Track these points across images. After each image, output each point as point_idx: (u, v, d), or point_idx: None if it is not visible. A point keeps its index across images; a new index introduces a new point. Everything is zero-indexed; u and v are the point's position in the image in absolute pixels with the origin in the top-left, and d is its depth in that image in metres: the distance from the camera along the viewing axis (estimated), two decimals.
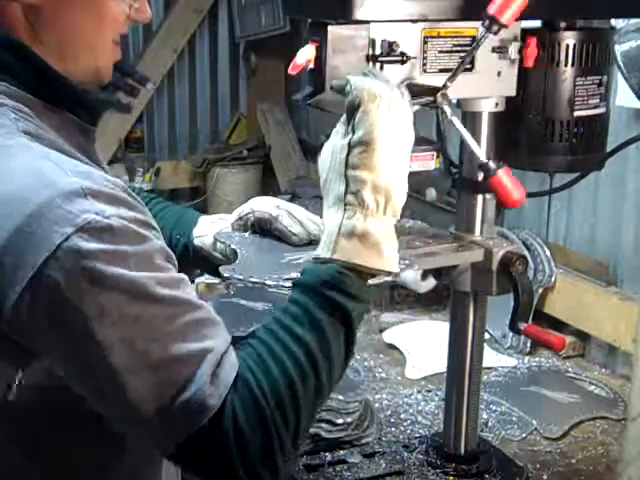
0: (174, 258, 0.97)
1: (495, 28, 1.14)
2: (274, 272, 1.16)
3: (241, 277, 1.16)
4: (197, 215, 1.38)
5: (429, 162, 1.23)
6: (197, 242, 1.33)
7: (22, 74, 0.99)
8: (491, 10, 1.13)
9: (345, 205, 1.02)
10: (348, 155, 1.02)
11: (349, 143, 1.02)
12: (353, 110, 1.02)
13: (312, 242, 1.27)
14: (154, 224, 0.96)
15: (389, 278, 1.05)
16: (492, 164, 1.17)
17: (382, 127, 1.01)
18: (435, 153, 1.23)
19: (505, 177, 1.16)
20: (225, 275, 1.17)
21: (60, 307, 0.86)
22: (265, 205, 1.34)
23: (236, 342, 0.98)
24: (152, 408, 0.89)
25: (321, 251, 1.03)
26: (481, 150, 1.22)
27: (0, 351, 0.93)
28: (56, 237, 0.85)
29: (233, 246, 1.27)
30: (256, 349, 0.97)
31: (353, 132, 1.02)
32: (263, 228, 1.33)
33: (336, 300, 0.99)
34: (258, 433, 0.92)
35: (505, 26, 1.14)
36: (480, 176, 1.34)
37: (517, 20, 1.23)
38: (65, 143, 0.98)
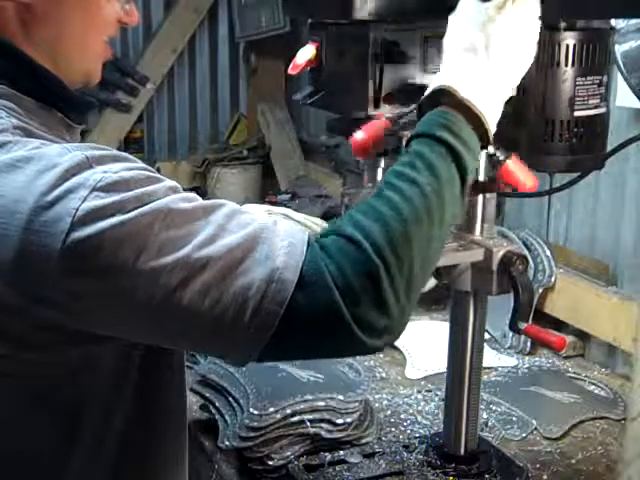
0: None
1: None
2: None
3: None
4: None
5: None
6: None
7: (12, 74, 1.00)
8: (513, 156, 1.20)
9: (477, 51, 1.05)
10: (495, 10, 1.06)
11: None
12: None
13: None
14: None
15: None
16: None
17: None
18: None
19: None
20: None
21: (103, 262, 0.86)
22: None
23: None
24: (231, 308, 0.86)
25: (444, 80, 1.05)
26: None
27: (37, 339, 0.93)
28: (74, 202, 0.86)
29: None
30: (368, 202, 0.94)
31: None
32: None
33: (448, 141, 0.98)
34: (364, 275, 0.87)
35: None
36: (483, 175, 1.34)
37: None
38: (54, 139, 0.98)
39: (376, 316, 0.88)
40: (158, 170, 3.69)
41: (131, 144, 3.52)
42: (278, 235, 0.90)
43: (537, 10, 1.09)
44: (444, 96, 1.02)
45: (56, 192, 0.87)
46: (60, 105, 1.04)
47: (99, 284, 0.87)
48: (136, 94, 2.20)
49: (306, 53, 1.14)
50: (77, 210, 0.86)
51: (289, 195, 3.17)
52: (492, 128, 1.05)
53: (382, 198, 0.93)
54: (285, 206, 2.42)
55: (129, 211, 0.87)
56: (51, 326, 0.91)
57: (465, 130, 1.01)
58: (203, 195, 3.43)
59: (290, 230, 0.91)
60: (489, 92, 1.04)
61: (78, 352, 0.97)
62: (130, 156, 0.95)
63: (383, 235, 0.88)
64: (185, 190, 0.93)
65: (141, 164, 0.94)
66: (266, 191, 3.40)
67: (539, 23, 1.10)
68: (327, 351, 0.96)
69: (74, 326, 0.92)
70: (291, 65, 1.14)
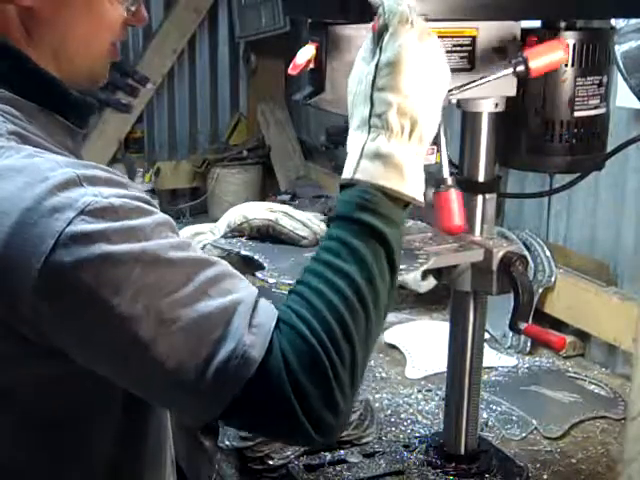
0: (176, 227, 0.96)
1: (520, 68, 1.15)
2: None
3: (291, 281, 1.14)
4: None
5: (429, 157, 1.22)
6: None
7: (14, 78, 0.99)
8: (526, 52, 1.15)
9: (369, 127, 1.00)
10: (375, 77, 1.00)
11: (377, 64, 1.00)
12: (382, 33, 1.01)
13: (320, 242, 1.25)
14: (152, 201, 0.95)
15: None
16: (450, 181, 1.17)
17: (411, 51, 1.00)
18: (435, 147, 1.23)
19: (454, 197, 1.15)
20: (271, 281, 1.16)
21: (76, 293, 0.85)
22: (259, 211, 1.31)
23: None
24: (191, 374, 0.86)
25: (345, 174, 1.00)
26: (447, 164, 1.20)
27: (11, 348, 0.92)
28: (59, 223, 0.85)
29: (244, 252, 1.25)
30: (298, 291, 0.94)
31: (380, 54, 1.00)
32: (262, 234, 1.31)
33: (367, 221, 0.96)
34: (313, 373, 0.88)
35: (529, 71, 1.15)
36: (482, 175, 1.34)
37: (517, 20, 1.23)
38: (54, 145, 0.98)
39: (325, 413, 0.89)
40: (158, 170, 3.67)
41: (131, 144, 3.53)
42: (252, 312, 0.90)
43: (438, 45, 1.03)
44: (354, 184, 0.99)
45: (42, 208, 0.85)
46: (62, 110, 1.03)
47: (68, 311, 0.86)
48: (136, 94, 2.20)
49: (306, 53, 1.14)
50: (61, 233, 0.84)
51: (289, 195, 3.17)
52: (415, 189, 1.00)
53: (316, 291, 0.92)
54: None
55: (114, 244, 0.85)
56: (25, 342, 0.90)
57: (383, 205, 0.97)
58: (203, 194, 3.44)
59: (265, 310, 0.91)
60: (396, 161, 0.98)
61: (59, 368, 0.94)
62: (124, 180, 0.93)
63: (325, 333, 0.89)
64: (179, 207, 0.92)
65: (133, 191, 0.92)
66: (266, 191, 3.40)
67: (444, 74, 1.03)
68: (274, 435, 0.99)
69: (43, 344, 0.90)
70: (291, 65, 1.14)
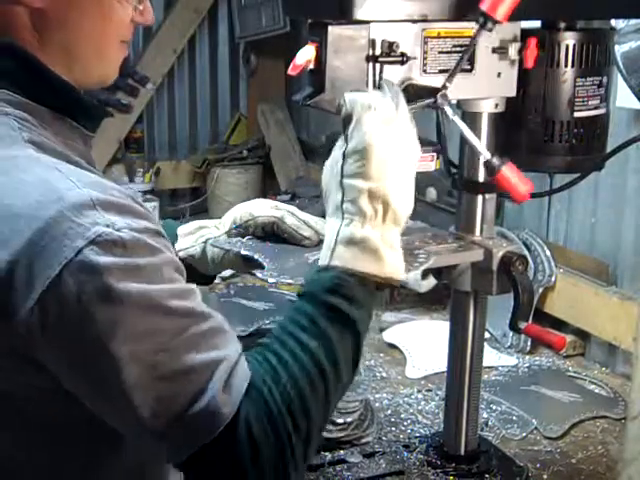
0: (183, 268, 0.96)
1: (489, 25, 1.13)
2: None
3: (291, 281, 1.15)
4: (175, 228, 1.35)
5: (429, 163, 1.23)
6: (182, 254, 1.31)
7: (25, 82, 0.98)
8: (483, 7, 1.12)
9: (343, 213, 1.03)
10: (343, 165, 1.03)
11: (344, 153, 1.03)
12: (348, 122, 1.04)
13: (322, 242, 1.25)
14: (162, 231, 0.95)
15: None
16: (496, 161, 1.16)
17: (376, 136, 1.02)
18: (435, 154, 1.23)
19: (509, 172, 1.15)
20: (271, 280, 1.17)
21: (72, 321, 0.85)
22: (265, 209, 1.32)
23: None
24: (165, 420, 0.88)
25: (321, 260, 1.04)
26: (484, 148, 1.20)
27: (9, 363, 0.92)
28: (68, 251, 0.84)
29: (244, 252, 1.25)
30: (267, 358, 0.96)
31: (347, 142, 1.03)
32: (267, 232, 1.31)
33: (338, 306, 0.99)
34: (271, 442, 0.91)
35: (499, 22, 1.12)
36: (482, 175, 1.35)
37: (517, 20, 1.23)
38: (69, 151, 0.97)
39: None
40: (158, 170, 3.66)
41: (131, 144, 3.53)
42: (231, 371, 0.91)
43: (406, 122, 1.05)
44: (329, 269, 1.02)
45: (53, 231, 0.85)
46: (74, 114, 1.02)
47: (59, 339, 0.87)
48: (136, 94, 2.20)
49: (306, 53, 1.14)
50: (70, 261, 0.84)
51: (289, 195, 3.17)
52: (393, 269, 1.03)
53: (282, 363, 0.95)
54: None
55: (118, 280, 0.85)
56: (18, 354, 0.90)
57: (355, 289, 1.01)
58: (203, 194, 3.44)
59: (242, 370, 0.93)
60: (371, 245, 1.01)
61: (53, 381, 0.93)
62: (136, 207, 0.92)
63: (285, 406, 0.92)
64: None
65: (145, 221, 0.91)
66: (266, 191, 3.40)
67: (410, 129, 1.05)
68: None
69: (32, 358, 0.90)
70: (291, 65, 1.14)
